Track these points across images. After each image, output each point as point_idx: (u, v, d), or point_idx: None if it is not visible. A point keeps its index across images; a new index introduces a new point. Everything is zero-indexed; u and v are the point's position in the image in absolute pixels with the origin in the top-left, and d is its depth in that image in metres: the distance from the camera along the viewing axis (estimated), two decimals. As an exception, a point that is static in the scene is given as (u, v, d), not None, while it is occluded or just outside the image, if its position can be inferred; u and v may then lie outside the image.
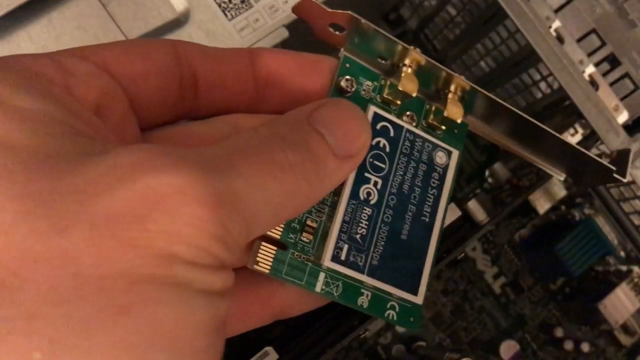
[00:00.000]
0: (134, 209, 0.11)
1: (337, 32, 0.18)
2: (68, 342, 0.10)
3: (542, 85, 0.37)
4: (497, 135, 0.21)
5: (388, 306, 0.18)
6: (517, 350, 0.45)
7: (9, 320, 0.10)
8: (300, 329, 0.33)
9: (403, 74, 0.18)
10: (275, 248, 0.16)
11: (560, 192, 0.44)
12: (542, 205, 0.43)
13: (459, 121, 0.19)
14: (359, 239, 0.17)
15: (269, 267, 0.16)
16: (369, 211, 0.17)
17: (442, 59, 0.45)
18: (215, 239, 0.12)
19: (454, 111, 0.19)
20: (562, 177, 0.23)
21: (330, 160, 0.15)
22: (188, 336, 0.11)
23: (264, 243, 0.16)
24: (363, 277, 0.17)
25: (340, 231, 0.17)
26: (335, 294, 0.17)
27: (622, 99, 0.30)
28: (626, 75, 0.30)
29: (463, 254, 0.43)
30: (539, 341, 0.45)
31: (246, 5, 0.29)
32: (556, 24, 0.28)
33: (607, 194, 0.44)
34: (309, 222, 0.17)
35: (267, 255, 0.16)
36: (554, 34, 0.28)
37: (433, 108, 0.19)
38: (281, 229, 0.17)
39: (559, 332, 0.45)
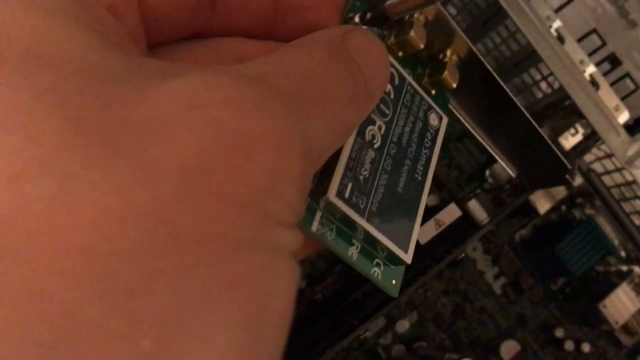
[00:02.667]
0: (229, 158, 0.09)
1: None
2: (179, 324, 0.08)
3: (543, 85, 0.37)
4: (465, 114, 0.21)
5: (374, 263, 0.17)
6: (517, 351, 0.45)
7: (97, 306, 0.08)
8: (300, 330, 0.33)
9: (414, 24, 0.17)
10: None
11: (561, 192, 0.44)
12: (542, 205, 0.43)
13: (454, 86, 0.19)
14: (362, 180, 0.16)
15: None
16: (372, 154, 0.16)
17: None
18: (300, 194, 0.10)
19: (452, 74, 0.18)
20: (514, 173, 0.23)
21: (364, 95, 0.13)
22: (288, 306, 0.10)
23: None
24: (362, 221, 0.16)
25: (347, 168, 0.16)
26: (329, 238, 0.16)
27: (622, 99, 0.29)
28: (627, 75, 0.30)
29: (463, 254, 0.43)
30: (540, 341, 0.45)
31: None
32: (557, 23, 0.28)
33: (607, 194, 0.44)
34: None
35: None
36: (554, 33, 0.28)
37: (426, 71, 0.19)
38: None
39: (559, 333, 0.44)
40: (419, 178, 0.18)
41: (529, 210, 0.44)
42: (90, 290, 0.08)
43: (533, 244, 0.46)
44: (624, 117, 0.29)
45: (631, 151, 0.28)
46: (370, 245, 0.17)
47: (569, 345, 0.44)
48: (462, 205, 0.35)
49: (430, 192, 0.44)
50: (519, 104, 0.20)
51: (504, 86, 0.19)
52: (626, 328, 0.45)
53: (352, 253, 0.16)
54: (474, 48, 0.19)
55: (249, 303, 0.09)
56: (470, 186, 0.45)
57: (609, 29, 0.30)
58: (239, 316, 0.09)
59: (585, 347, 0.44)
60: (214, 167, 0.09)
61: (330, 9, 0.16)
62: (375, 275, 0.17)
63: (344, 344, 0.34)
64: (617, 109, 0.28)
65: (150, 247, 0.08)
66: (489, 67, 0.19)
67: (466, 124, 0.22)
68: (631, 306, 0.42)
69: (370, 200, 0.16)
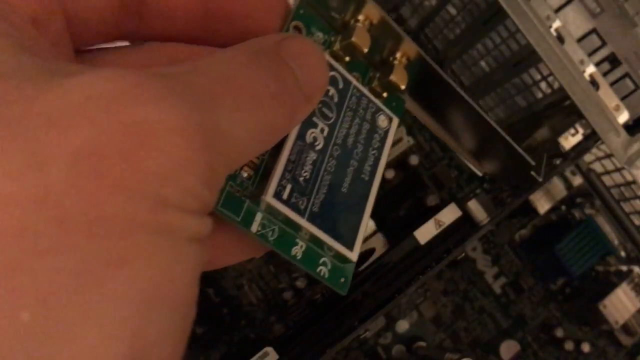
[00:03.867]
0: (121, 145, 0.09)
1: None
2: (59, 299, 0.09)
3: (543, 85, 0.37)
4: (429, 121, 0.22)
5: (320, 262, 0.17)
6: (517, 351, 0.45)
7: None
8: (300, 329, 0.33)
9: (357, 28, 0.18)
10: None
11: (561, 192, 0.44)
12: (542, 205, 0.43)
13: (402, 87, 0.19)
14: (302, 182, 0.16)
15: None
16: (314, 156, 0.17)
17: (442, 59, 0.45)
18: (203, 182, 0.11)
19: (400, 75, 0.19)
20: (481, 173, 0.23)
21: (300, 98, 0.14)
22: (184, 289, 0.10)
23: None
24: (302, 222, 0.16)
25: (285, 169, 0.16)
26: (270, 239, 0.16)
27: (622, 99, 0.29)
28: (626, 75, 0.30)
29: (463, 254, 0.43)
30: (540, 341, 0.45)
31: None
32: (556, 23, 0.28)
33: (607, 193, 0.44)
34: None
35: None
36: (554, 33, 0.28)
37: (377, 75, 0.19)
38: None
39: (559, 333, 0.44)
40: (366, 178, 0.18)
41: (529, 210, 0.44)
42: None
43: (533, 244, 0.46)
44: (623, 117, 0.29)
45: (631, 151, 0.28)
46: (316, 245, 0.17)
47: (569, 345, 0.44)
48: (462, 205, 0.35)
49: (430, 192, 0.44)
50: (473, 103, 0.20)
51: (454, 84, 0.19)
52: (626, 328, 0.45)
53: (296, 252, 0.17)
54: (420, 50, 0.19)
55: (136, 281, 0.09)
56: (470, 186, 0.45)
57: (609, 29, 0.30)
58: (125, 293, 0.09)
59: (585, 347, 0.44)
60: (104, 153, 0.09)
61: (270, 17, 0.16)
62: (322, 273, 0.17)
63: (344, 344, 0.34)
64: (616, 109, 0.28)
65: (35, 227, 0.09)
66: (435, 67, 0.19)
67: (429, 126, 0.22)
68: (631, 306, 0.43)
69: (312, 201, 0.17)
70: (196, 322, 0.41)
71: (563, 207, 0.46)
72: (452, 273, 0.45)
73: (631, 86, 0.30)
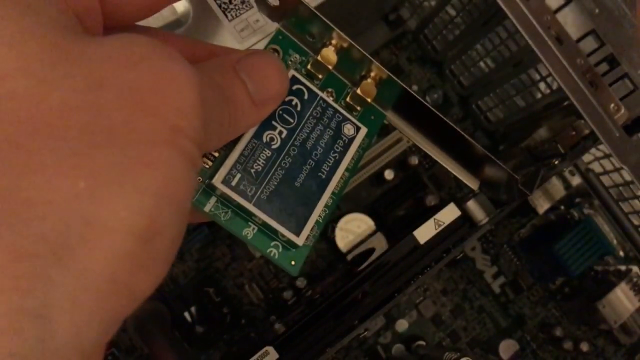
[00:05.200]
0: (154, 83, 0.13)
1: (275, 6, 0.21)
2: (108, 177, 0.12)
3: (542, 85, 0.37)
4: (419, 138, 0.24)
5: (272, 244, 0.20)
6: (516, 350, 0.45)
7: (56, 153, 0.11)
8: (300, 329, 0.33)
9: (325, 48, 0.21)
10: None
11: (560, 192, 0.44)
12: (541, 205, 0.44)
13: (369, 100, 0.22)
14: (252, 173, 0.19)
15: None
16: (268, 153, 0.20)
17: (441, 60, 0.45)
18: (202, 126, 0.14)
19: (366, 89, 0.22)
20: (476, 187, 0.25)
21: (247, 105, 0.17)
22: (185, 196, 0.13)
23: None
24: (249, 206, 0.19)
25: (237, 162, 0.19)
26: (222, 219, 0.19)
27: (621, 99, 0.30)
28: (625, 75, 0.31)
29: (462, 254, 0.43)
30: (538, 341, 0.46)
31: (246, 6, 0.29)
32: (556, 24, 0.28)
33: (606, 193, 0.44)
34: (213, 152, 0.19)
35: None
36: (553, 34, 0.28)
37: (356, 91, 0.22)
38: None
39: (558, 332, 0.45)
40: (323, 176, 0.21)
41: (528, 210, 0.44)
42: (51, 138, 0.12)
43: (532, 243, 0.46)
44: (622, 117, 0.29)
45: (630, 151, 0.28)
46: (268, 229, 0.20)
47: (568, 345, 0.44)
48: (461, 205, 0.35)
49: (430, 192, 0.44)
50: (449, 122, 0.22)
51: (429, 105, 0.22)
52: (624, 327, 0.45)
53: (247, 233, 0.20)
54: (388, 72, 0.21)
55: (158, 180, 0.13)
56: (469, 186, 0.45)
57: (608, 29, 0.30)
58: (148, 185, 0.12)
59: (584, 347, 0.44)
60: (143, 88, 0.13)
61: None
62: (272, 254, 0.20)
63: (343, 343, 0.34)
64: (615, 109, 0.29)
65: (92, 128, 0.12)
66: (406, 88, 0.22)
67: (418, 143, 0.24)
68: (629, 305, 0.43)
69: (261, 190, 0.20)
70: (197, 321, 0.41)
71: (562, 207, 0.46)
72: (452, 273, 0.45)
73: (630, 86, 0.31)
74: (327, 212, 0.21)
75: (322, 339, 0.33)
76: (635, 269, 0.43)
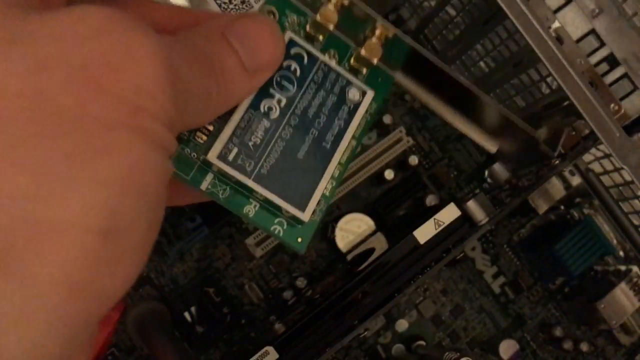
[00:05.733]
0: (108, 59, 0.12)
1: None
2: (55, 169, 0.11)
3: (542, 85, 0.37)
4: (432, 101, 0.22)
5: (276, 221, 0.19)
6: (516, 350, 0.45)
7: None
8: (300, 329, 0.33)
9: (324, 7, 0.19)
10: None
11: (560, 192, 0.44)
12: (541, 205, 0.44)
13: (374, 61, 0.20)
14: (251, 146, 0.18)
15: None
16: (267, 124, 0.18)
17: (441, 60, 0.45)
18: (172, 101, 0.13)
19: (371, 50, 0.20)
20: (494, 150, 0.23)
21: (238, 73, 0.16)
22: (153, 184, 0.12)
23: None
24: (249, 182, 0.18)
25: (233, 134, 0.18)
26: (220, 197, 0.18)
27: (621, 99, 0.30)
28: (625, 75, 0.31)
29: (462, 254, 0.43)
30: (538, 341, 0.46)
31: (246, 6, 0.29)
32: (555, 24, 0.28)
33: (606, 193, 0.44)
34: (207, 125, 0.18)
35: None
36: (553, 34, 0.28)
37: (360, 52, 0.20)
38: None
39: (558, 332, 0.45)
40: (328, 146, 0.19)
41: (528, 210, 0.44)
42: None
43: (532, 243, 0.46)
44: (622, 117, 0.29)
45: (629, 151, 0.28)
46: (271, 206, 0.19)
47: (568, 345, 0.44)
48: (461, 205, 0.35)
49: (430, 192, 0.44)
50: (464, 80, 0.20)
51: (436, 60, 0.20)
52: (624, 327, 0.45)
53: (248, 211, 0.18)
54: (395, 29, 0.20)
55: (115, 168, 0.11)
56: (469, 186, 0.45)
57: (608, 30, 0.30)
58: (104, 174, 0.11)
59: (584, 347, 0.44)
60: (95, 65, 0.11)
61: None
62: (277, 232, 0.19)
63: (343, 343, 0.34)
64: (615, 109, 0.29)
65: (35, 115, 0.11)
66: (414, 44, 0.20)
67: (432, 107, 0.22)
68: (629, 305, 0.43)
69: (260, 164, 0.18)
70: (197, 321, 0.41)
71: (562, 207, 0.46)
72: (452, 273, 0.45)
73: (630, 86, 0.31)
74: (334, 184, 0.19)
75: (322, 339, 0.33)
76: (635, 269, 0.43)
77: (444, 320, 0.45)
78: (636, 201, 0.43)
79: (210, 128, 0.18)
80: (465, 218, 0.34)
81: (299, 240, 0.19)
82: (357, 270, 0.37)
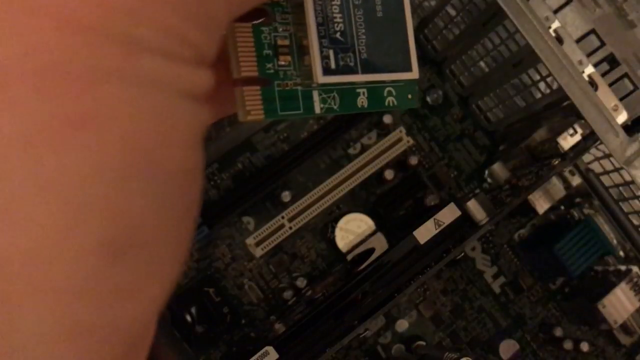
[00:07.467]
0: None
1: None
2: (2, 174, 0.07)
3: (542, 85, 0.37)
4: None
5: (385, 94, 0.17)
6: (516, 350, 0.45)
7: None
8: (300, 329, 0.33)
9: None
10: (258, 88, 0.15)
11: (560, 192, 0.44)
12: (541, 205, 0.44)
13: None
14: (339, 37, 0.16)
15: (261, 111, 0.15)
16: (337, 1, 0.16)
17: (441, 59, 0.45)
18: (190, 18, 0.08)
19: None
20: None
21: None
22: (176, 152, 0.08)
23: (245, 87, 0.14)
24: (359, 77, 0.16)
25: (320, 37, 0.15)
26: (335, 107, 0.16)
27: (621, 99, 0.30)
28: (625, 75, 0.31)
29: (462, 254, 0.43)
30: (539, 341, 0.45)
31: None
32: (555, 24, 0.28)
33: (606, 193, 0.44)
34: (279, 42, 0.15)
35: (254, 100, 0.15)
36: (553, 34, 0.28)
37: None
38: (255, 65, 0.15)
39: (558, 332, 0.45)
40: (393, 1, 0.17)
41: (528, 210, 0.44)
42: None
43: (532, 243, 0.46)
44: (622, 117, 0.29)
45: (630, 151, 0.28)
46: (380, 84, 0.17)
47: (568, 345, 0.44)
48: (461, 205, 0.35)
49: (430, 192, 0.44)
50: None
51: None
52: (625, 327, 0.45)
53: (362, 103, 0.17)
54: None
55: (104, 145, 0.07)
56: (469, 186, 0.45)
57: (608, 30, 0.30)
58: (88, 160, 0.07)
59: (584, 347, 0.44)
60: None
61: None
62: (391, 104, 0.17)
63: (343, 343, 0.35)
64: (615, 109, 0.29)
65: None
66: None
67: None
68: (630, 306, 0.43)
69: (357, 50, 0.16)
70: (197, 321, 0.41)
71: (562, 207, 0.46)
72: (452, 273, 0.45)
73: (630, 86, 0.31)
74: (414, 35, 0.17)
75: (322, 339, 0.33)
76: (635, 269, 0.43)
77: (444, 320, 0.45)
78: (636, 201, 0.43)
79: (285, 42, 0.15)
80: (465, 218, 0.34)
81: (410, 97, 0.18)
82: (357, 270, 0.37)
